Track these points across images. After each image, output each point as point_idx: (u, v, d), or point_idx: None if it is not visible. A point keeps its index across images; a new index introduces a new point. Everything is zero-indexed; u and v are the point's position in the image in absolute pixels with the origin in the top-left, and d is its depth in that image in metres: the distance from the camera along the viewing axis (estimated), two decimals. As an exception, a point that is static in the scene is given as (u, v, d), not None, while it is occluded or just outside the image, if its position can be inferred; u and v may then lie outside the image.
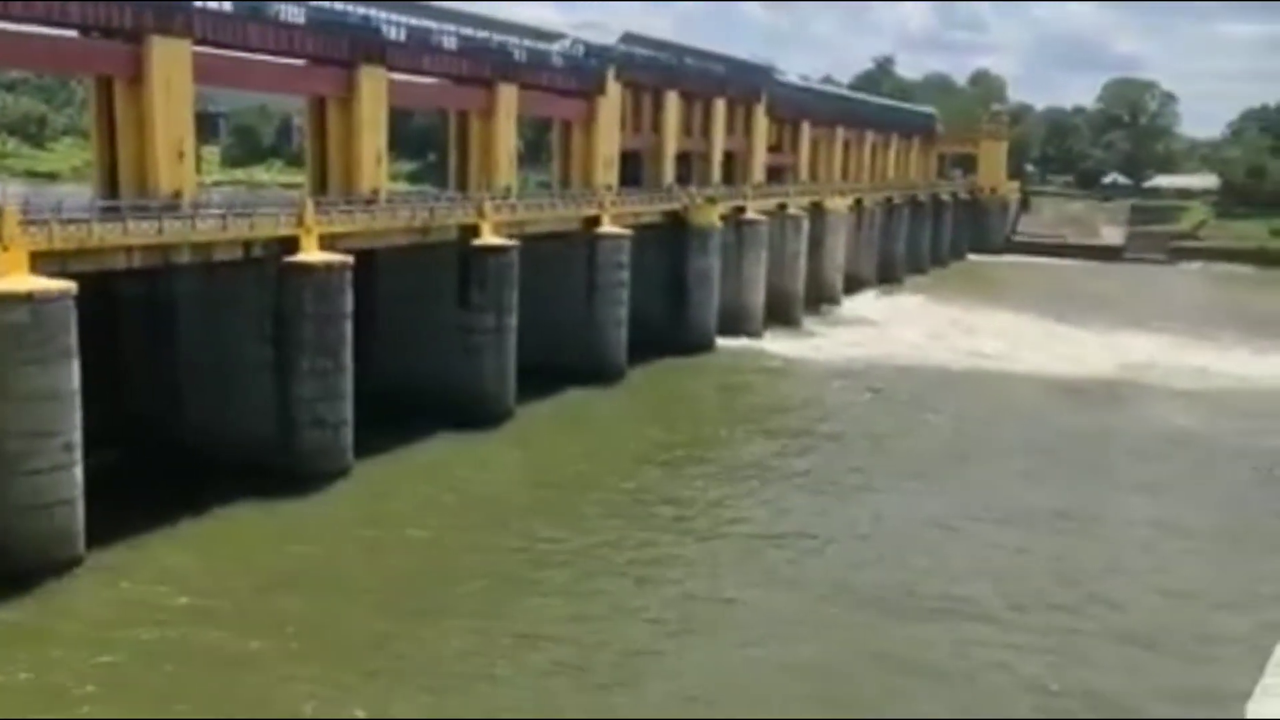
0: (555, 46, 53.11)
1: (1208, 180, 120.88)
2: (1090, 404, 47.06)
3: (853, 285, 77.10)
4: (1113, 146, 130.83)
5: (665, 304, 53.89)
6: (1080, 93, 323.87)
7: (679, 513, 30.93)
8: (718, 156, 69.42)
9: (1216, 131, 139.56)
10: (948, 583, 26.19)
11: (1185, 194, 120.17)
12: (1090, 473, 36.41)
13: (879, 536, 29.80)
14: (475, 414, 37.68)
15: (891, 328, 65.57)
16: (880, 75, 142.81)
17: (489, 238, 40.22)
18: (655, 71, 61.54)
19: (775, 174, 77.33)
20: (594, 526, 29.46)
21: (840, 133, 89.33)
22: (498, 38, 48.45)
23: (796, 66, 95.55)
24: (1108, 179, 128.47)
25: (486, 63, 47.29)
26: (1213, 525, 31.24)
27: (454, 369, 38.85)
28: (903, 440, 40.75)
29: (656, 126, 62.62)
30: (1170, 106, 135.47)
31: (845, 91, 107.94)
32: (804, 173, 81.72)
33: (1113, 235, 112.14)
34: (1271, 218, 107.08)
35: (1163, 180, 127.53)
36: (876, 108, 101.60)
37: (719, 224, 56.50)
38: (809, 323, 65.21)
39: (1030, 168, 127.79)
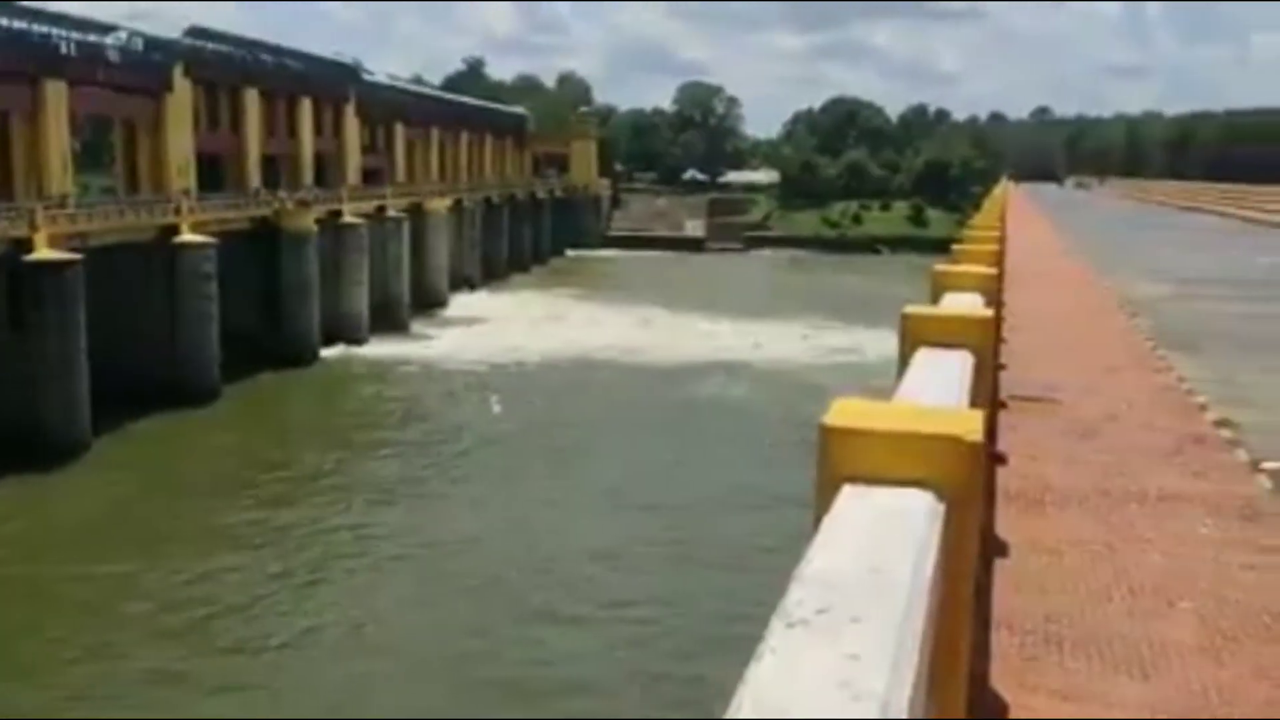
0: (109, 39, 47.94)
1: (771, 175, 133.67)
2: (672, 384, 50.17)
3: (459, 286, 77.10)
4: (690, 145, 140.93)
5: (260, 315, 50.61)
6: (658, 95, 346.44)
7: (263, 540, 28.94)
8: (308, 159, 66.37)
9: (774, 131, 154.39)
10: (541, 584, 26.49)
11: (753, 188, 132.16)
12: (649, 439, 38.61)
13: (477, 532, 29.66)
14: (38, 451, 33.09)
15: (499, 325, 66.38)
16: (471, 76, 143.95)
17: (44, 251, 35.44)
18: (230, 68, 57.53)
19: (371, 176, 75.35)
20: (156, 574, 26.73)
21: (435, 133, 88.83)
22: (39, 29, 42.86)
23: (384, 66, 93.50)
24: (687, 175, 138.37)
25: (28, 57, 41.66)
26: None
27: (9, 401, 33.89)
28: (510, 433, 41.08)
29: (236, 127, 58.64)
30: (735, 109, 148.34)
31: (438, 92, 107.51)
32: (401, 174, 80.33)
33: (695, 227, 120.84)
34: (822, 208, 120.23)
35: (734, 176, 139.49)
36: (470, 108, 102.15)
37: (314, 229, 53.96)
38: (417, 326, 64.41)
39: (619, 166, 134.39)
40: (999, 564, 4.71)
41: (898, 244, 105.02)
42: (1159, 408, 8.25)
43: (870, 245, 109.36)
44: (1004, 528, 5.27)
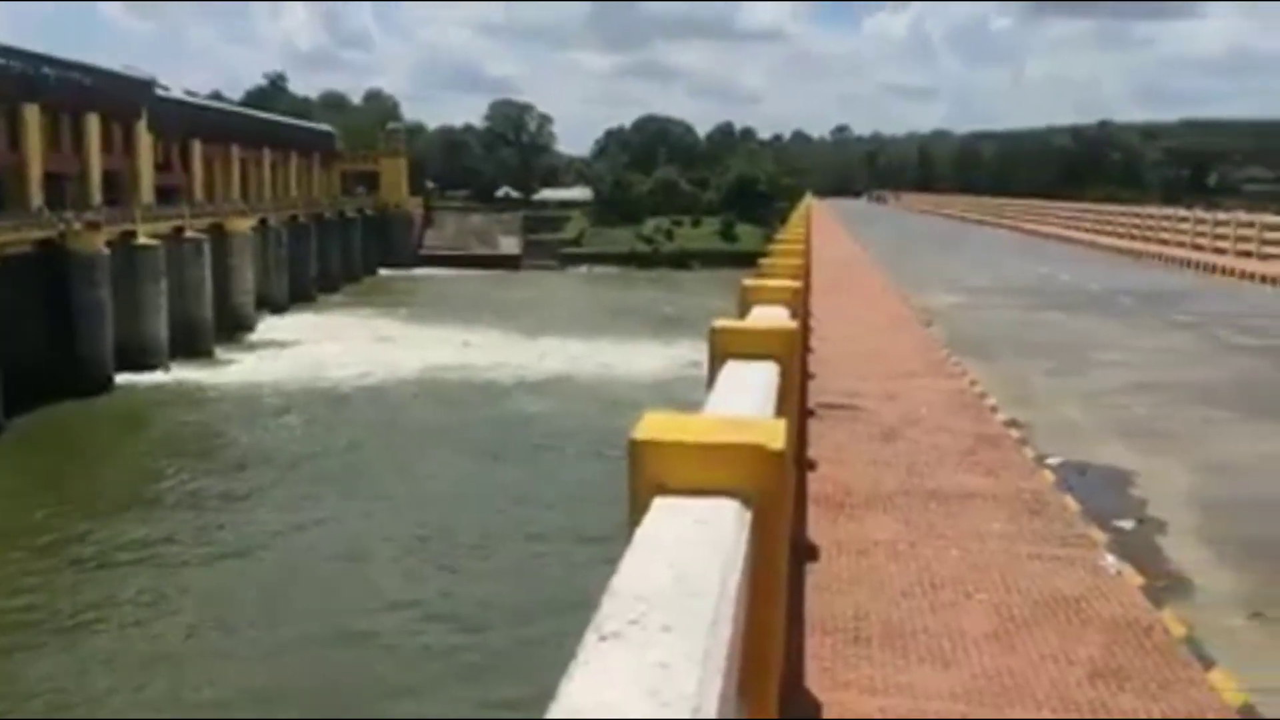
0: None
1: (585, 193, 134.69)
2: (484, 402, 49.82)
3: (266, 307, 74.15)
4: (503, 163, 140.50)
5: (48, 344, 47.26)
6: (468, 112, 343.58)
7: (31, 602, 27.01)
8: (97, 177, 62.63)
9: (587, 149, 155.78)
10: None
11: (568, 205, 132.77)
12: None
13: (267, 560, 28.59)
14: None
15: (308, 348, 64.17)
16: (274, 92, 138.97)
17: None
18: (7, 81, 53.71)
19: (167, 195, 71.68)
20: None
21: (236, 151, 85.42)
22: None
23: (181, 81, 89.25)
24: (501, 193, 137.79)
25: None
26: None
27: None
28: (312, 456, 39.80)
29: (15, 144, 54.81)
30: (547, 126, 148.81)
31: (238, 108, 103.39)
32: (199, 193, 76.80)
33: (510, 245, 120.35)
34: (636, 224, 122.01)
35: (548, 193, 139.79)
36: (273, 125, 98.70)
37: (106, 251, 50.85)
38: (221, 351, 61.57)
39: (430, 184, 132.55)
40: (811, 567, 4.88)
41: (710, 259, 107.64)
42: (954, 411, 8.74)
43: (683, 260, 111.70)
44: (815, 531, 5.47)
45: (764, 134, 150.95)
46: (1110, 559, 5.17)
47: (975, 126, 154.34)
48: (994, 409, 9.03)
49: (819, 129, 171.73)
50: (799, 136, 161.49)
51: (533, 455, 39.44)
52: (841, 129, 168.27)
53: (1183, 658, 4.08)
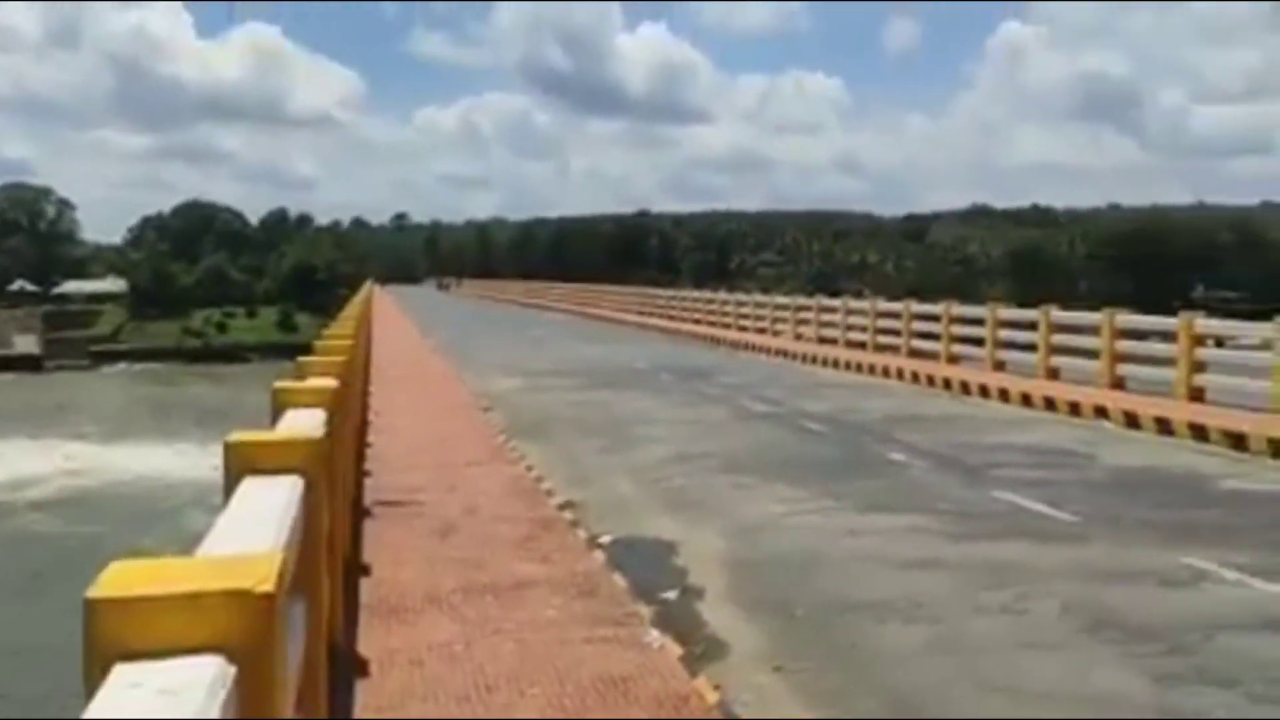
0: None
1: (118, 284, 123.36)
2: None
3: None
4: (17, 253, 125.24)
5: None
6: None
7: None
8: None
9: (119, 237, 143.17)
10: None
11: (98, 298, 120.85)
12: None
13: None
14: None
15: None
16: None
17: None
18: None
19: None
20: None
21: None
22: None
23: None
24: (15, 286, 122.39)
25: None
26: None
27: None
28: None
29: None
30: (69, 212, 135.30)
31: None
32: None
33: (28, 344, 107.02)
34: (183, 317, 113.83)
35: (74, 286, 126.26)
36: None
37: None
38: None
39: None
40: (360, 685, 4.60)
41: (268, 350, 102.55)
42: (512, 498, 8.83)
43: (238, 354, 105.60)
44: (367, 642, 5.19)
45: (322, 220, 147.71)
46: (654, 634, 5.39)
47: (530, 214, 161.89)
48: (550, 492, 9.25)
49: (378, 216, 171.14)
50: (358, 223, 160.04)
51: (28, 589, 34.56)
52: (401, 216, 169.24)
53: (716, 723, 4.30)
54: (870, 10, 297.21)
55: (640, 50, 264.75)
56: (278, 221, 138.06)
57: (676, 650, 5.23)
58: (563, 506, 8.74)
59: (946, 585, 6.73)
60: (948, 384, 17.84)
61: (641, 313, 42.03)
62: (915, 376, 18.98)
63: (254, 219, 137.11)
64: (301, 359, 6.89)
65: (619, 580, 6.44)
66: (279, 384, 5.12)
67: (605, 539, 7.88)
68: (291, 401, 4.92)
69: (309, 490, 3.42)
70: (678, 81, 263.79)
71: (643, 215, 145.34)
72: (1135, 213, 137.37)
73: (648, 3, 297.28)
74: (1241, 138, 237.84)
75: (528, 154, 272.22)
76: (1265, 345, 13.60)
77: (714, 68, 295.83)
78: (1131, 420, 13.39)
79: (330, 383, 5.53)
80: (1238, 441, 11.68)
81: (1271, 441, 11.29)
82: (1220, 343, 15.40)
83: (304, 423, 4.35)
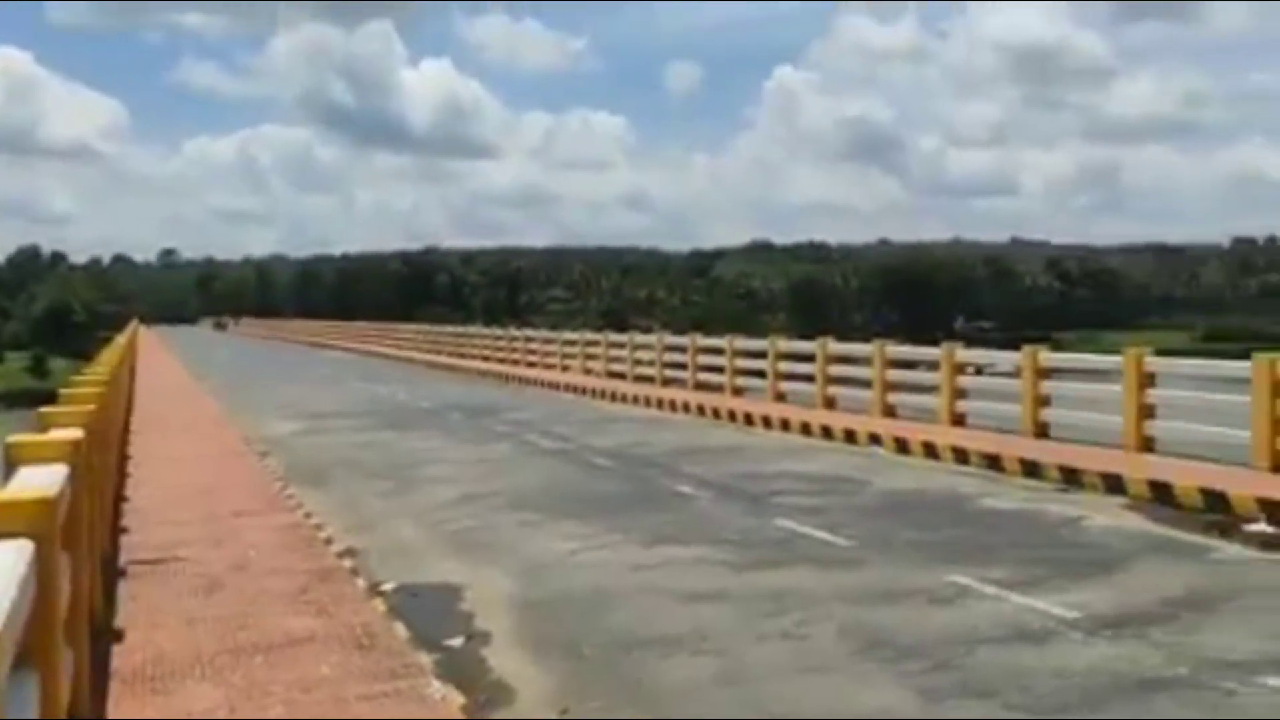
0: None
1: None
2: None
3: None
4: None
5: None
6: None
7: None
8: None
9: None
10: None
11: None
12: None
13: None
14: None
15: None
16: None
17: None
18: None
19: None
20: None
21: None
22: None
23: None
24: None
25: None
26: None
27: None
28: None
29: None
30: None
31: None
32: None
33: None
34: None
35: None
36: None
37: None
38: None
39: None
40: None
41: (17, 400, 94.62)
42: (286, 549, 8.39)
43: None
44: (117, 716, 4.76)
45: (78, 258, 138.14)
46: (436, 685, 5.20)
47: (313, 251, 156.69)
48: (329, 540, 8.85)
49: (144, 252, 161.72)
50: (121, 261, 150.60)
51: None
52: (169, 252, 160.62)
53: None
54: (653, 52, 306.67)
55: (424, 85, 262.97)
56: (28, 259, 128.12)
57: (459, 700, 5.06)
58: (342, 555, 8.38)
59: (731, 615, 6.83)
60: (732, 415, 18.33)
61: (430, 351, 41.29)
62: (702, 409, 19.41)
63: (1, 257, 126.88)
64: (43, 409, 6.32)
65: (400, 630, 6.19)
66: (12, 438, 4.65)
67: (387, 587, 7.59)
68: (27, 456, 4.48)
69: (40, 555, 3.09)
70: (464, 117, 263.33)
71: (430, 251, 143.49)
72: (902, 248, 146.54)
73: (431, 37, 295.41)
74: (991, 180, 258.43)
75: (309, 188, 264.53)
76: (1015, 372, 14.65)
77: (500, 104, 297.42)
78: (902, 446, 14.12)
79: (74, 434, 5.07)
80: (994, 462, 12.50)
81: (1023, 461, 12.14)
82: (980, 370, 16.53)
83: (39, 480, 3.95)
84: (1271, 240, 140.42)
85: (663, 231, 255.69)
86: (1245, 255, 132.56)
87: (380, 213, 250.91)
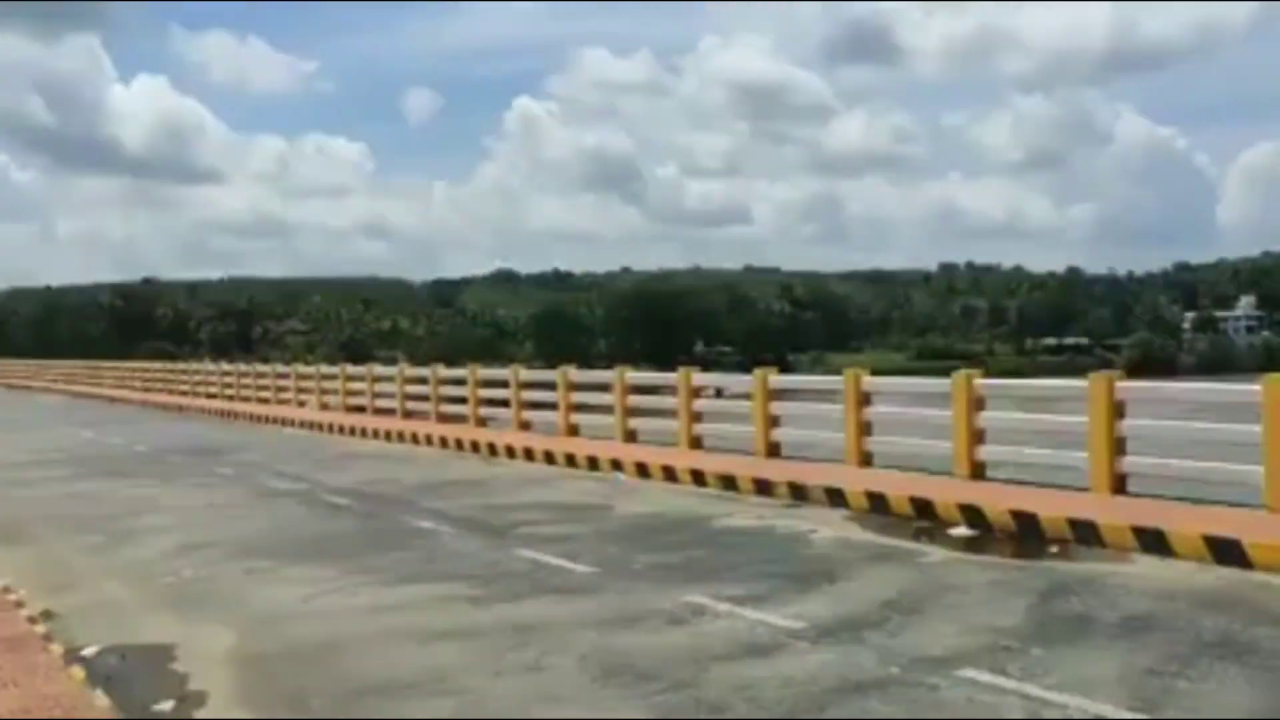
0: None
1: None
2: None
3: None
4: None
5: None
6: None
7: None
8: None
9: None
10: None
11: None
12: None
13: None
14: None
15: None
16: None
17: None
18: None
19: None
20: None
21: None
22: None
23: None
24: None
25: None
26: None
27: None
28: None
29: None
30: None
31: None
32: None
33: None
34: None
35: None
36: None
37: None
38: None
39: None
40: None
41: None
42: (-34, 617, 7.48)
43: None
44: None
45: None
46: (140, 757, 4.74)
47: (10, 284, 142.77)
48: (20, 603, 7.98)
49: None
50: None
51: None
52: None
53: None
54: (390, 78, 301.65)
55: (137, 105, 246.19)
56: None
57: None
58: (36, 619, 7.57)
59: (471, 653, 6.67)
60: (476, 447, 18.10)
61: (148, 389, 38.47)
62: (445, 441, 19.05)
63: None
64: None
65: (100, 699, 5.63)
66: None
67: (88, 651, 6.90)
68: None
69: None
70: (184, 139, 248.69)
71: (150, 283, 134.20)
72: (644, 276, 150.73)
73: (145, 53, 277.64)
74: (726, 210, 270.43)
75: (3, 215, 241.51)
76: (749, 395, 15.25)
77: (226, 127, 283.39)
78: (643, 470, 14.37)
79: None
80: (729, 483, 12.94)
81: (756, 481, 12.64)
82: (719, 393, 17.07)
83: None
84: (970, 266, 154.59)
85: (405, 261, 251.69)
86: (950, 280, 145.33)
87: (89, 241, 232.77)
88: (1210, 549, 8.32)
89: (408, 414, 22.89)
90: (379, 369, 26.81)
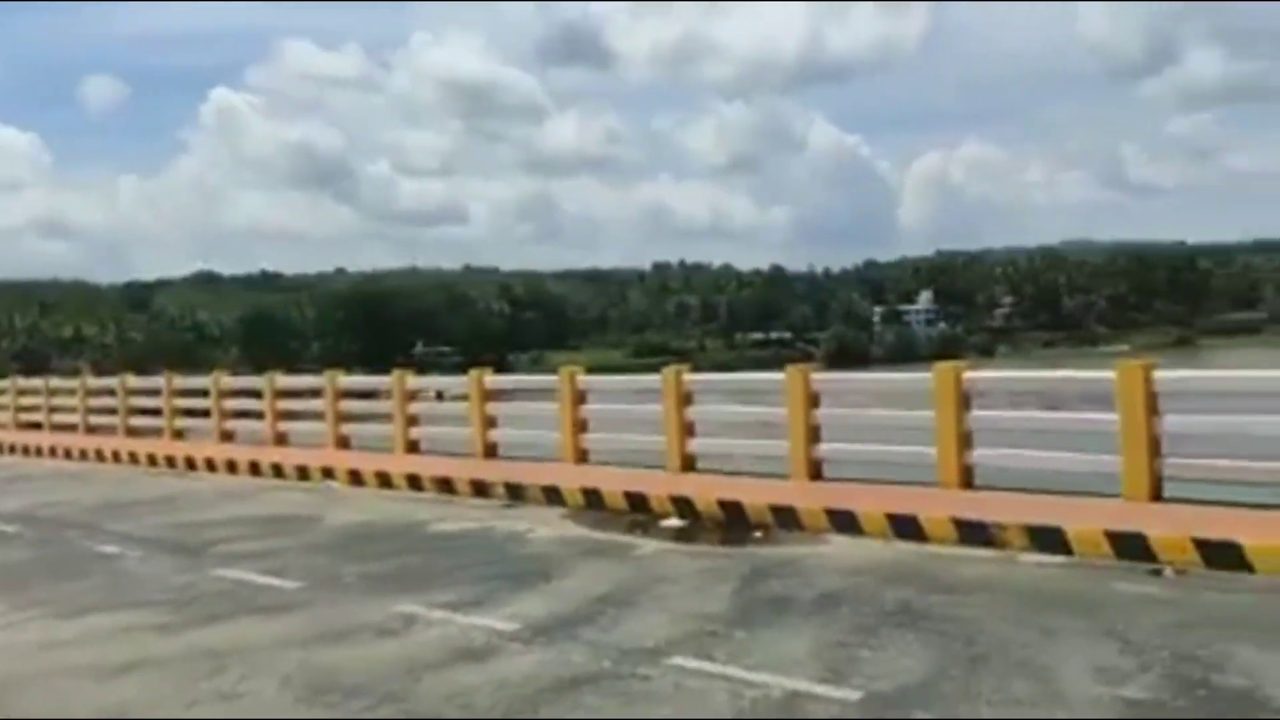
0: None
1: None
2: None
3: None
4: None
5: None
6: None
7: None
8: None
9: None
10: None
11: None
12: None
13: None
14: None
15: None
16: None
17: None
18: None
19: None
20: None
21: None
22: None
23: None
24: None
25: None
26: None
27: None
28: None
29: None
30: None
31: None
32: None
33: None
34: None
35: None
36: None
37: None
38: None
39: None
40: None
41: None
42: None
43: None
44: None
45: None
46: None
47: None
48: None
49: None
50: None
51: None
52: None
53: None
54: (65, 64, 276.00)
55: None
56: None
57: None
58: None
59: (160, 685, 6.15)
60: (171, 461, 16.83)
61: None
62: (135, 457, 17.60)
63: None
64: None
65: None
66: None
67: None
68: None
69: None
70: None
71: None
72: (358, 276, 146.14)
73: None
74: (442, 209, 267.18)
75: None
76: (465, 396, 15.04)
77: None
78: (356, 478, 13.87)
79: None
80: (447, 486, 12.71)
81: (473, 482, 12.49)
82: (440, 395, 16.73)
83: None
84: (683, 264, 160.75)
85: (90, 262, 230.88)
86: (663, 278, 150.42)
87: None
88: (892, 526, 9.01)
89: (91, 429, 20.98)
90: (57, 381, 24.42)
